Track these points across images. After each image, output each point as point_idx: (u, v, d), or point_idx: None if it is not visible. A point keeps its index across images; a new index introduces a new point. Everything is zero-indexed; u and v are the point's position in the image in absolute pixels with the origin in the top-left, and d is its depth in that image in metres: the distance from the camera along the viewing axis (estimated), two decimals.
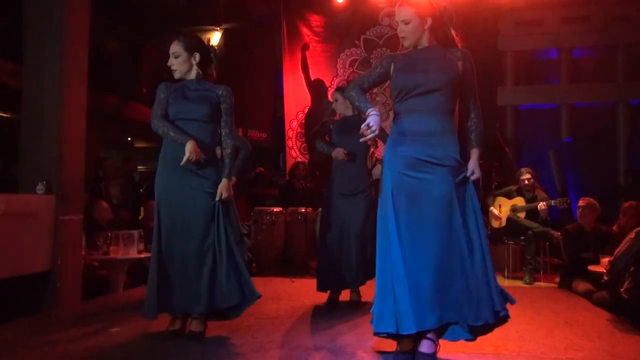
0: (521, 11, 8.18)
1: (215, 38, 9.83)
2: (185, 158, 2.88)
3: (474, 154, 2.71)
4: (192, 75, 3.13)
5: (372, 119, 2.52)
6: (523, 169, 6.17)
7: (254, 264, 6.46)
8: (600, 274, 4.16)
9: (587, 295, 4.55)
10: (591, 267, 4.55)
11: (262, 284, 5.25)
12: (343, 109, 4.25)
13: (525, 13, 8.20)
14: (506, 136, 8.05)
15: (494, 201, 6.28)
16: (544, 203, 5.77)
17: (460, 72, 2.65)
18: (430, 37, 2.69)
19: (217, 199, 3.03)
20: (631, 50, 7.82)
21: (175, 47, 3.07)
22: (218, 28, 9.57)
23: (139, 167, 8.77)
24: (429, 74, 2.61)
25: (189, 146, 2.90)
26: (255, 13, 8.84)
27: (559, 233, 5.55)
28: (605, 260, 4.17)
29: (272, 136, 8.83)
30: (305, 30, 8.33)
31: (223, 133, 3.13)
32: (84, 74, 4.31)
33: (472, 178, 2.66)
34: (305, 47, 8.21)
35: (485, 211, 6.68)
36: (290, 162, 8.00)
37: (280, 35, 8.51)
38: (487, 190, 6.90)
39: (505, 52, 8.38)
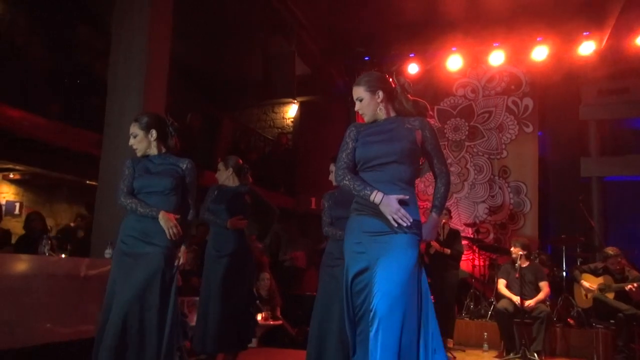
0: (604, 80, 7.89)
1: (292, 110, 10.20)
2: (167, 232, 2.99)
3: (430, 218, 2.64)
4: (154, 150, 3.23)
5: (391, 201, 2.47)
6: (609, 249, 5.69)
7: None
8: None
9: None
10: None
11: None
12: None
13: (608, 82, 7.90)
14: (591, 210, 7.55)
15: (579, 277, 5.80)
16: (635, 285, 5.24)
17: (419, 141, 2.63)
18: (388, 109, 2.71)
19: (175, 263, 3.09)
20: None
21: (132, 128, 3.21)
22: (295, 100, 9.95)
23: None
24: (384, 145, 2.61)
25: (163, 219, 3.00)
26: (330, 86, 9.11)
27: None
28: None
29: None
30: None
31: (190, 204, 3.24)
32: None
33: (421, 240, 2.56)
34: None
35: (571, 289, 6.19)
36: None
37: (353, 107, 8.64)
38: (572, 266, 6.42)
39: (587, 122, 8.05)
